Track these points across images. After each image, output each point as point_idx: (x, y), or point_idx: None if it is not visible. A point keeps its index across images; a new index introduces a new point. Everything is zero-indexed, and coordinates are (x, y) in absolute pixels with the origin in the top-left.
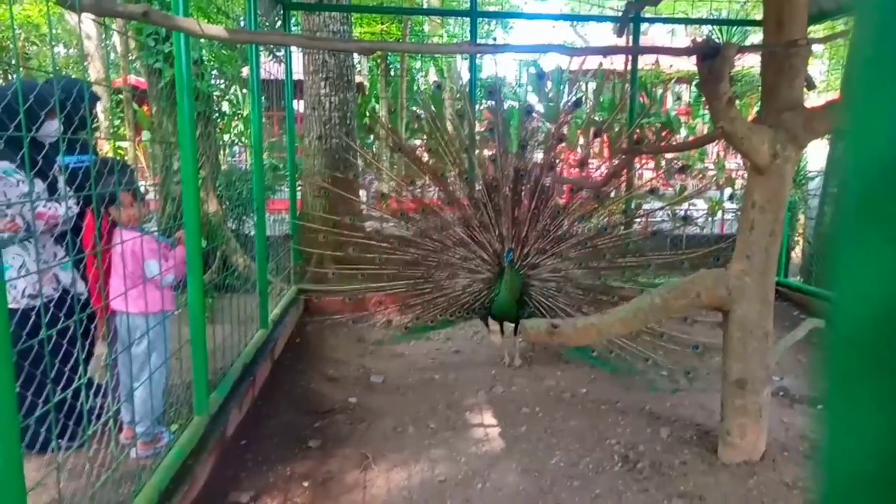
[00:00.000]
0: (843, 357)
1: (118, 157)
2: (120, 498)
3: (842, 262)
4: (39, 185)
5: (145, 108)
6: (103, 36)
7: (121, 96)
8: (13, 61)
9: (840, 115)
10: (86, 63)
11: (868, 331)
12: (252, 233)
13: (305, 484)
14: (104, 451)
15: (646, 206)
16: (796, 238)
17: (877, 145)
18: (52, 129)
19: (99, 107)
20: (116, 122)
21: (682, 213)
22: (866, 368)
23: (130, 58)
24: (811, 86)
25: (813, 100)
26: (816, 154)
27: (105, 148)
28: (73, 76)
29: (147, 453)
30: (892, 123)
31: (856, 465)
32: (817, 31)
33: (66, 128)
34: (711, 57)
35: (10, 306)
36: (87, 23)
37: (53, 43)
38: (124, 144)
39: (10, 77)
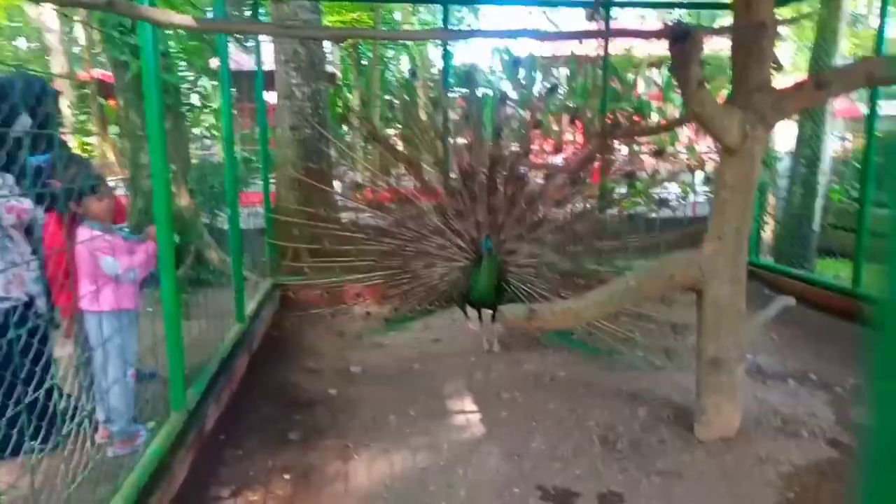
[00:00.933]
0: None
1: (77, 153)
2: (97, 498)
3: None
4: (9, 180)
5: (112, 101)
6: (66, 28)
7: (86, 90)
8: None
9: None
10: (48, 57)
11: None
12: (226, 227)
13: (287, 476)
14: (79, 452)
15: (621, 191)
16: (766, 218)
17: None
18: (22, 125)
19: (63, 102)
20: (83, 118)
21: (658, 196)
22: None
23: (95, 51)
24: (779, 67)
25: (780, 81)
26: (784, 135)
27: (72, 143)
28: (32, 72)
29: (124, 451)
30: None
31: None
32: (784, 12)
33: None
34: (682, 40)
35: None
36: (49, 15)
37: (13, 37)
38: (91, 140)
39: None
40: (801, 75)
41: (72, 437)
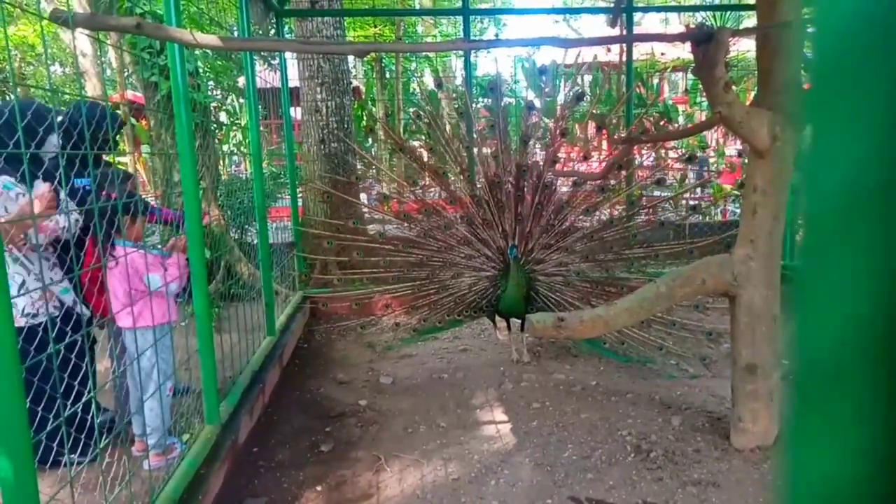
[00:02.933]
0: (809, 379)
1: (125, 169)
2: None
3: (807, 285)
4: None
5: (143, 122)
6: (98, 52)
7: (118, 112)
8: (9, 81)
9: (800, 139)
10: (83, 80)
11: (832, 352)
12: (255, 241)
13: (319, 488)
14: (117, 464)
15: (648, 196)
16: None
17: (839, 168)
18: (51, 145)
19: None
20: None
21: (693, 202)
22: (830, 390)
23: (126, 73)
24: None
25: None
26: None
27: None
28: (84, 98)
29: (160, 464)
30: (854, 144)
31: (819, 484)
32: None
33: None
34: (706, 42)
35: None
36: (83, 40)
37: (49, 62)
38: (124, 159)
39: (7, 97)
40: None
41: (108, 450)
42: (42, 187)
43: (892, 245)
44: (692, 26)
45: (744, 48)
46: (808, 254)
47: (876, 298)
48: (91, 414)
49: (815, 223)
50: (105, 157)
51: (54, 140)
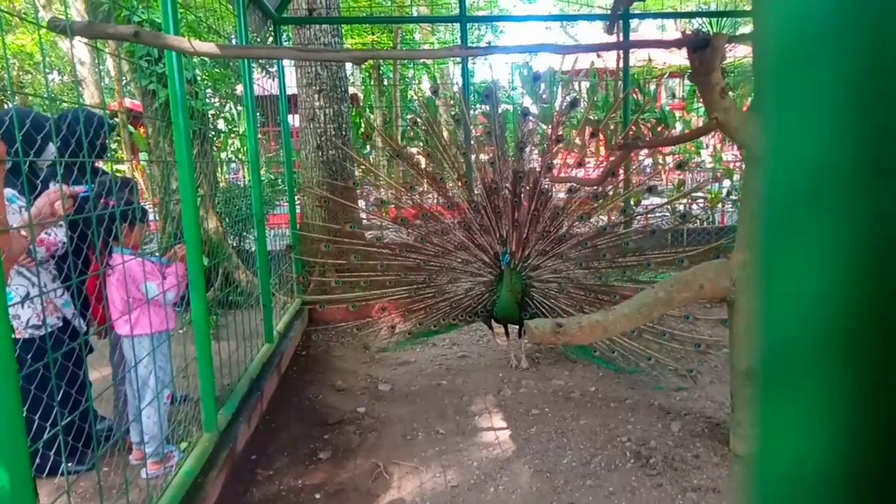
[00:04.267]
0: (772, 360)
1: (126, 177)
2: None
3: (767, 267)
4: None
5: (141, 129)
6: (96, 60)
7: (116, 120)
8: (8, 90)
9: (759, 121)
10: (80, 89)
11: (794, 333)
12: (253, 249)
13: (317, 496)
14: (114, 473)
15: (644, 203)
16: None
17: (797, 151)
18: (49, 154)
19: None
20: (113, 146)
21: (682, 209)
22: (793, 371)
23: (124, 81)
24: None
25: None
26: None
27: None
28: (77, 106)
29: (157, 473)
30: (812, 128)
31: (786, 469)
32: None
33: (87, 156)
34: (702, 48)
35: (14, 336)
36: (81, 48)
37: (47, 70)
38: (122, 167)
39: (6, 105)
40: None
41: (106, 458)
42: (54, 191)
43: (850, 225)
44: (688, 32)
45: (740, 54)
46: (768, 235)
47: (837, 277)
48: (88, 423)
49: (774, 204)
50: (97, 165)
51: (52, 149)
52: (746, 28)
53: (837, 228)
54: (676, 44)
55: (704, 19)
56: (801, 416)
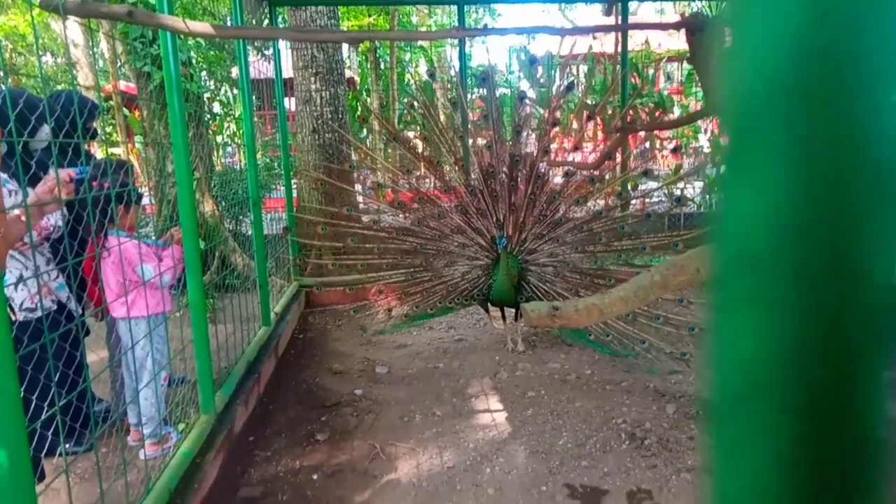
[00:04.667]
0: (730, 270)
1: (122, 158)
2: (131, 499)
3: (729, 182)
4: (31, 195)
5: (136, 112)
6: (90, 42)
7: (111, 102)
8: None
9: (726, 37)
10: (74, 71)
11: (751, 244)
12: (249, 232)
13: (315, 477)
14: (112, 454)
15: (641, 187)
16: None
17: (758, 65)
18: (43, 134)
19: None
20: (108, 129)
21: (678, 193)
22: (750, 280)
23: (118, 63)
24: None
25: None
26: None
27: (98, 154)
28: (68, 88)
29: (155, 454)
30: (772, 41)
31: (740, 374)
32: None
33: (72, 136)
34: (701, 31)
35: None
36: (74, 30)
37: (41, 52)
38: (117, 150)
39: None
40: None
41: (104, 439)
42: (52, 178)
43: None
44: (687, 15)
45: None
46: (730, 151)
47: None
48: (86, 404)
49: (738, 112)
50: (86, 147)
51: (46, 130)
52: None
53: (787, 146)
54: (675, 26)
55: (704, 2)
56: (752, 316)
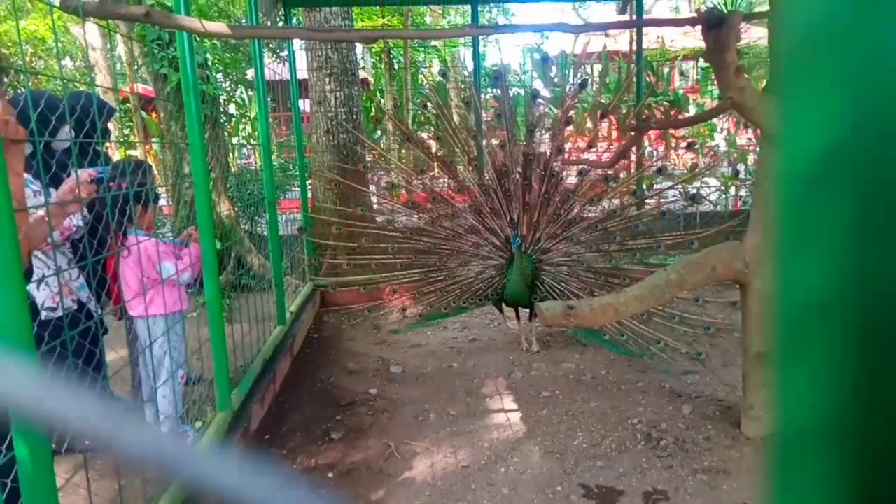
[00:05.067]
0: (791, 324)
1: (139, 158)
2: (148, 496)
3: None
4: (53, 195)
5: (153, 114)
6: (108, 45)
7: (129, 105)
8: (21, 76)
9: (774, 113)
10: (93, 74)
11: (814, 301)
12: (265, 232)
13: (330, 475)
14: None
15: (656, 186)
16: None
17: (808, 143)
18: (63, 134)
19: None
20: (126, 131)
21: (693, 191)
22: (812, 335)
23: (135, 66)
24: None
25: None
26: None
27: (116, 156)
28: (84, 90)
29: None
30: (825, 119)
31: (803, 425)
32: None
33: (86, 138)
34: (717, 27)
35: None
36: (92, 33)
37: (60, 56)
38: (134, 152)
39: (19, 89)
40: None
41: None
42: (83, 174)
43: (863, 205)
44: (703, 10)
45: (755, 36)
46: (786, 209)
47: (849, 255)
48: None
49: (791, 180)
50: (98, 148)
51: (66, 130)
52: (762, 7)
53: (846, 205)
54: (691, 22)
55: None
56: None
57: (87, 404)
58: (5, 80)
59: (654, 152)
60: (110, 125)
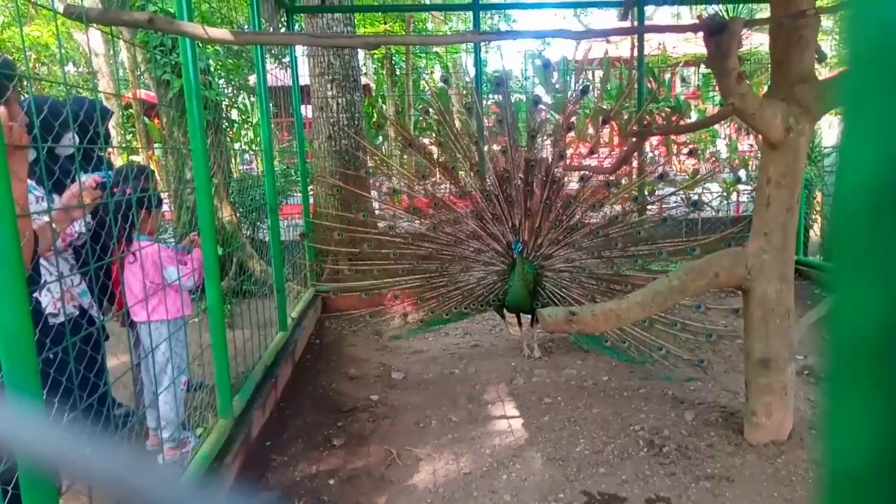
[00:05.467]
0: (846, 355)
1: (143, 164)
2: None
3: (840, 290)
4: (57, 201)
5: (156, 120)
6: (111, 52)
7: (131, 110)
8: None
9: (839, 130)
10: (96, 80)
11: (867, 332)
12: (267, 238)
13: (331, 482)
14: None
15: (658, 192)
16: (814, 216)
17: (873, 162)
18: (67, 141)
19: (112, 122)
20: (128, 137)
21: (695, 197)
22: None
23: (138, 72)
24: (822, 58)
25: (824, 74)
26: (831, 130)
27: (118, 162)
28: (83, 94)
29: (174, 458)
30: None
31: (857, 461)
32: (825, 1)
33: (85, 143)
34: (718, 33)
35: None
36: (95, 39)
37: (63, 62)
38: (137, 158)
39: (23, 96)
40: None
41: (123, 444)
42: (87, 180)
43: None
44: (704, 16)
45: (756, 42)
46: (841, 238)
47: None
48: (106, 408)
49: (848, 211)
50: (99, 153)
51: (69, 136)
52: (763, 14)
53: None
54: (693, 28)
55: (720, 5)
56: (870, 409)
57: (88, 450)
58: (10, 86)
59: (656, 158)
60: (111, 128)
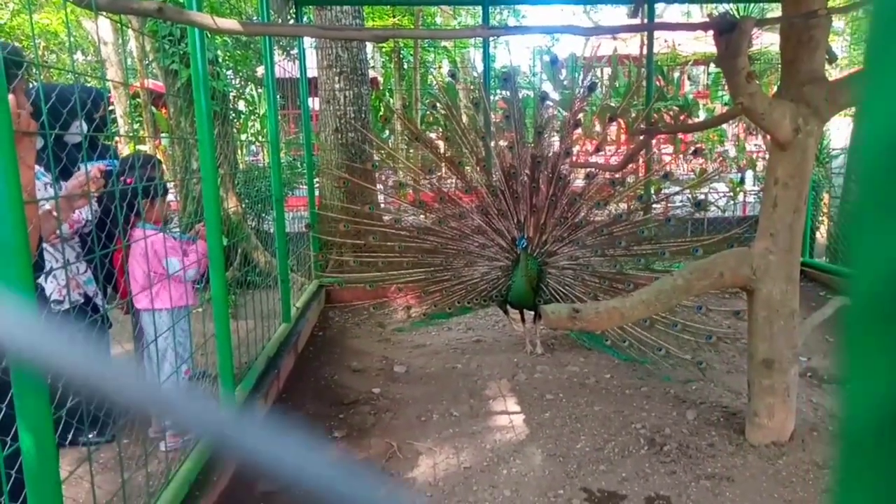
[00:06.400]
0: (861, 322)
1: (148, 153)
2: (151, 489)
3: (861, 238)
4: (63, 188)
5: (163, 110)
6: (120, 41)
7: (139, 100)
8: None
9: (859, 90)
10: (104, 69)
11: (884, 297)
12: (272, 230)
13: None
14: (134, 445)
15: (664, 191)
16: (821, 218)
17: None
18: (74, 128)
19: (119, 110)
20: (136, 126)
21: (700, 197)
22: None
23: (146, 61)
24: (832, 59)
25: (834, 75)
26: (839, 131)
27: (125, 151)
28: (87, 83)
29: (176, 445)
30: None
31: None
32: (837, 2)
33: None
34: (729, 32)
35: None
36: (104, 28)
37: (72, 50)
38: (144, 147)
39: (32, 83)
40: (858, 69)
41: (126, 430)
42: (91, 169)
43: None
44: (715, 16)
45: (766, 41)
46: (862, 208)
47: None
48: None
49: (867, 187)
50: (106, 141)
51: (77, 124)
52: (774, 13)
53: None
54: (703, 26)
55: (732, 4)
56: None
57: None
58: (18, 73)
59: (661, 157)
60: (101, 113)
